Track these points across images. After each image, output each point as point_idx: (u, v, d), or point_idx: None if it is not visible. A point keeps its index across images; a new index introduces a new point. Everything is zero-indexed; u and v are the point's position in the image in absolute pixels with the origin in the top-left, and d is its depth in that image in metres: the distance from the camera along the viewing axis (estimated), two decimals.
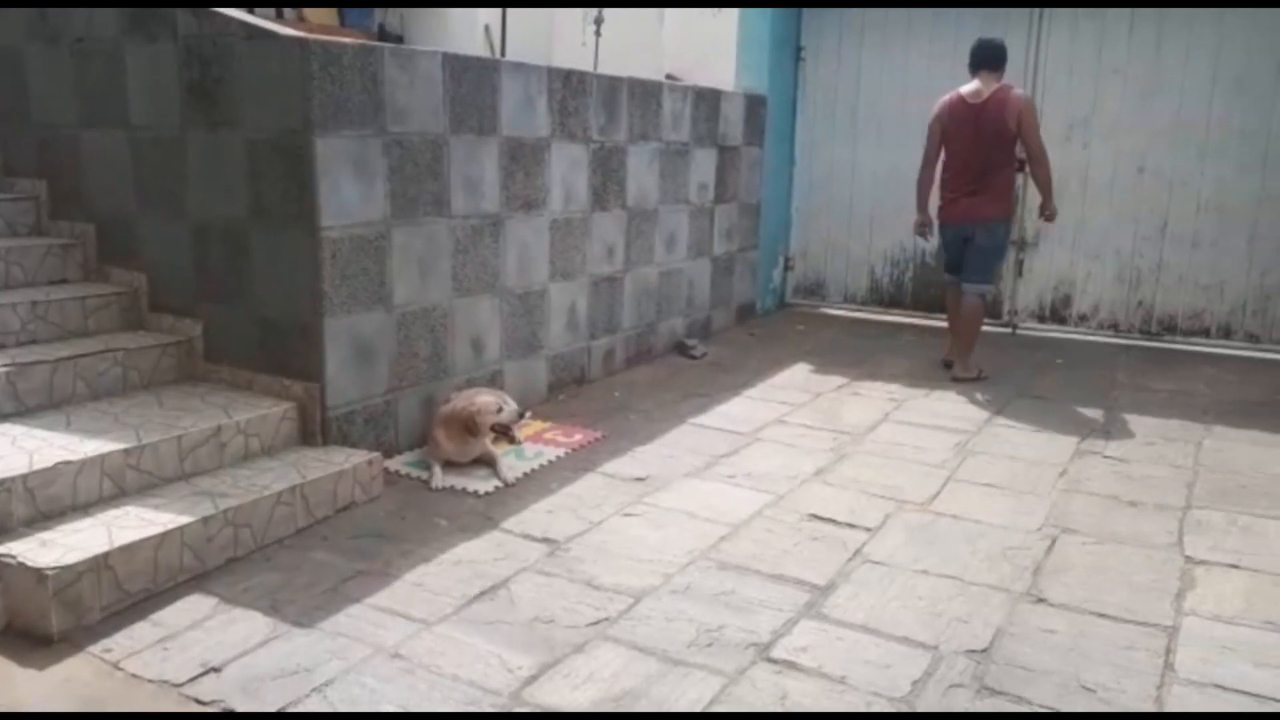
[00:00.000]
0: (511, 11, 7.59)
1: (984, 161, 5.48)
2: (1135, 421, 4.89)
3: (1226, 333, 6.43)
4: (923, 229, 5.83)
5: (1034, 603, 3.00)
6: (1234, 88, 6.16)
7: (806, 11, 7.37)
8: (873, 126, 7.31)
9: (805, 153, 7.60)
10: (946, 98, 5.60)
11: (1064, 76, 6.57)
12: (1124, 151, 6.52)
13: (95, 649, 2.65)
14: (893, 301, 7.48)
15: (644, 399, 5.15)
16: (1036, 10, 6.59)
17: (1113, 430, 4.74)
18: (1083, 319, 6.85)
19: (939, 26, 6.94)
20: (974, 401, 5.20)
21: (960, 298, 5.71)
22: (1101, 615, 2.93)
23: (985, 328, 6.90)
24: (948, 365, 5.86)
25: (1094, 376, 5.79)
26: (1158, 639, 2.80)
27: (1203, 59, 6.22)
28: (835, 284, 7.70)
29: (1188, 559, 3.33)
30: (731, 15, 7.10)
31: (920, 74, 7.05)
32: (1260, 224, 6.23)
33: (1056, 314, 6.85)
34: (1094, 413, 5.03)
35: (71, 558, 2.73)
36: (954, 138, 5.55)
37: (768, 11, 7.01)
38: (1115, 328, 6.76)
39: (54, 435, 3.27)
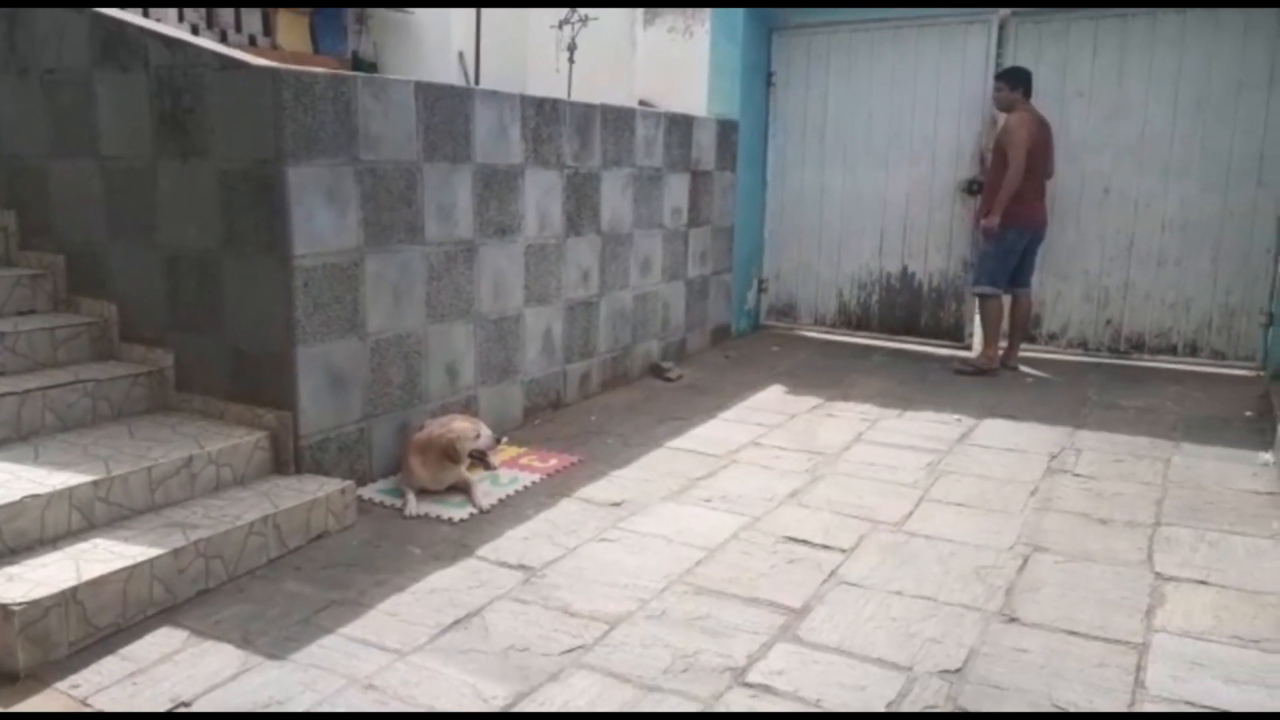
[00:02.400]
0: (486, 39, 7.66)
1: (1047, 173, 6.28)
2: (1105, 439, 4.94)
3: (1193, 350, 6.53)
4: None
5: (1006, 622, 3.02)
6: (1195, 109, 6.29)
7: (776, 38, 7.47)
8: (839, 150, 7.40)
9: (776, 177, 7.68)
10: (1029, 116, 6.11)
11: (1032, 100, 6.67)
12: (1090, 172, 6.63)
13: (63, 685, 2.61)
14: (859, 324, 7.54)
15: (620, 422, 5.16)
16: (998, 32, 6.71)
17: (1083, 448, 4.80)
18: (1052, 338, 6.92)
19: (900, 51, 7.06)
20: (945, 421, 5.24)
21: (1025, 302, 6.50)
22: (1073, 633, 2.95)
23: (953, 350, 7.05)
24: (1011, 368, 6.45)
25: (1064, 395, 5.85)
26: (1129, 656, 2.82)
27: (1164, 82, 6.35)
28: (806, 306, 7.75)
29: (1157, 575, 3.36)
30: (703, 42, 7.18)
31: (883, 97, 7.18)
32: (1224, 242, 6.34)
33: (1026, 334, 6.92)
34: (1064, 431, 5.08)
35: (39, 593, 2.70)
36: (1041, 152, 6.15)
37: (739, 38, 7.09)
38: (1085, 346, 6.84)
39: (21, 468, 3.24)
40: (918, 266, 7.25)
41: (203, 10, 6.99)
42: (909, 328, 7.35)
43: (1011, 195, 6.04)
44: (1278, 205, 6.12)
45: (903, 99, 7.11)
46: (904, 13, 6.92)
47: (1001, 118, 6.37)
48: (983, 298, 6.39)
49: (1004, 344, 6.57)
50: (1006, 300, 6.46)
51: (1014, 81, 6.16)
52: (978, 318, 6.70)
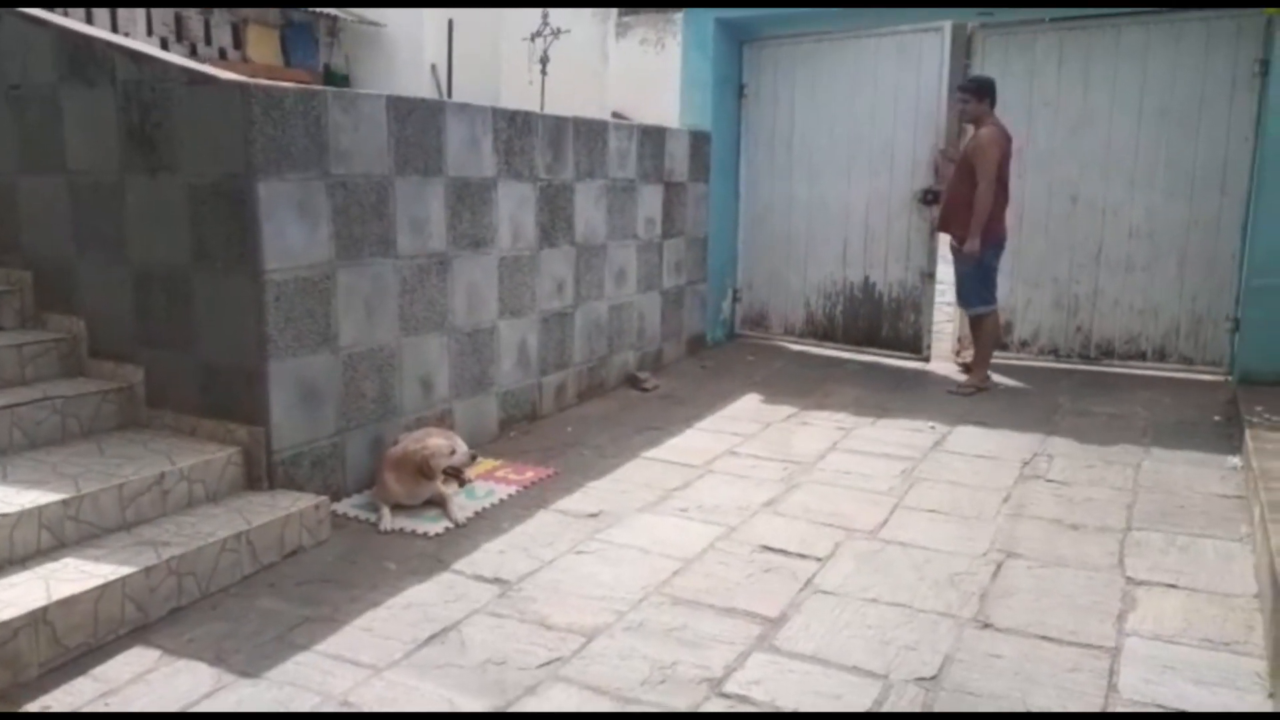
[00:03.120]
0: (458, 52, 7.67)
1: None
2: (1076, 445, 5.00)
3: (1161, 356, 6.61)
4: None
5: (980, 628, 3.05)
6: (1159, 120, 6.39)
7: (747, 50, 7.51)
8: (805, 160, 7.43)
9: (749, 187, 7.71)
10: (999, 131, 6.00)
11: (997, 111, 6.75)
12: (1057, 181, 6.71)
13: (33, 707, 2.58)
14: (825, 334, 7.54)
15: (596, 434, 5.16)
16: (950, 42, 6.76)
17: (1055, 454, 4.85)
18: (1024, 345, 7.00)
19: (860, 62, 7.09)
20: (919, 429, 5.28)
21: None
22: (1046, 638, 2.98)
23: (909, 362, 7.09)
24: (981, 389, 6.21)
25: (1036, 401, 5.91)
26: (1101, 660, 2.85)
27: (1129, 92, 6.44)
28: (777, 316, 7.77)
29: (1129, 580, 3.40)
30: (675, 54, 7.21)
31: (843, 107, 7.20)
32: (1189, 249, 6.43)
33: (998, 341, 6.99)
34: (1036, 437, 5.13)
35: (7, 614, 2.66)
36: (1007, 165, 6.04)
37: (710, 50, 7.13)
38: (1055, 353, 6.91)
39: None
40: (878, 277, 7.25)
41: (172, 23, 6.94)
42: (870, 338, 7.35)
43: (988, 215, 5.94)
44: (1241, 213, 6.21)
45: (862, 109, 7.15)
46: (859, 20, 6.92)
47: (968, 129, 6.39)
48: (979, 317, 6.26)
49: (967, 358, 6.60)
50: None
51: (980, 92, 6.06)
52: (971, 337, 6.55)
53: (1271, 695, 2.66)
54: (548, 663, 2.81)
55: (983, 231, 5.99)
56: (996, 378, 6.46)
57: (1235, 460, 4.68)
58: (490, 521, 3.90)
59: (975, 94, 6.07)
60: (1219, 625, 3.06)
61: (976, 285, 6.21)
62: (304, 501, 3.64)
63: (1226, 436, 5.09)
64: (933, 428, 5.30)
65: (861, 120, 7.17)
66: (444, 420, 4.64)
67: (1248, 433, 4.66)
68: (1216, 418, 5.48)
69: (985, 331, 6.28)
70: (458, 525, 3.84)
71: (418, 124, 4.36)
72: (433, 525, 3.83)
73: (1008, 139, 6.07)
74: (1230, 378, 6.23)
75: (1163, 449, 4.92)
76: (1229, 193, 6.25)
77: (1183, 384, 6.33)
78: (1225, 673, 2.78)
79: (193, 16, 7.14)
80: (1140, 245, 6.57)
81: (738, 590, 3.29)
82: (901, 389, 6.25)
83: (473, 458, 4.16)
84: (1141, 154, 6.47)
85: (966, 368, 6.56)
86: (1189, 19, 6.21)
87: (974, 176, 5.96)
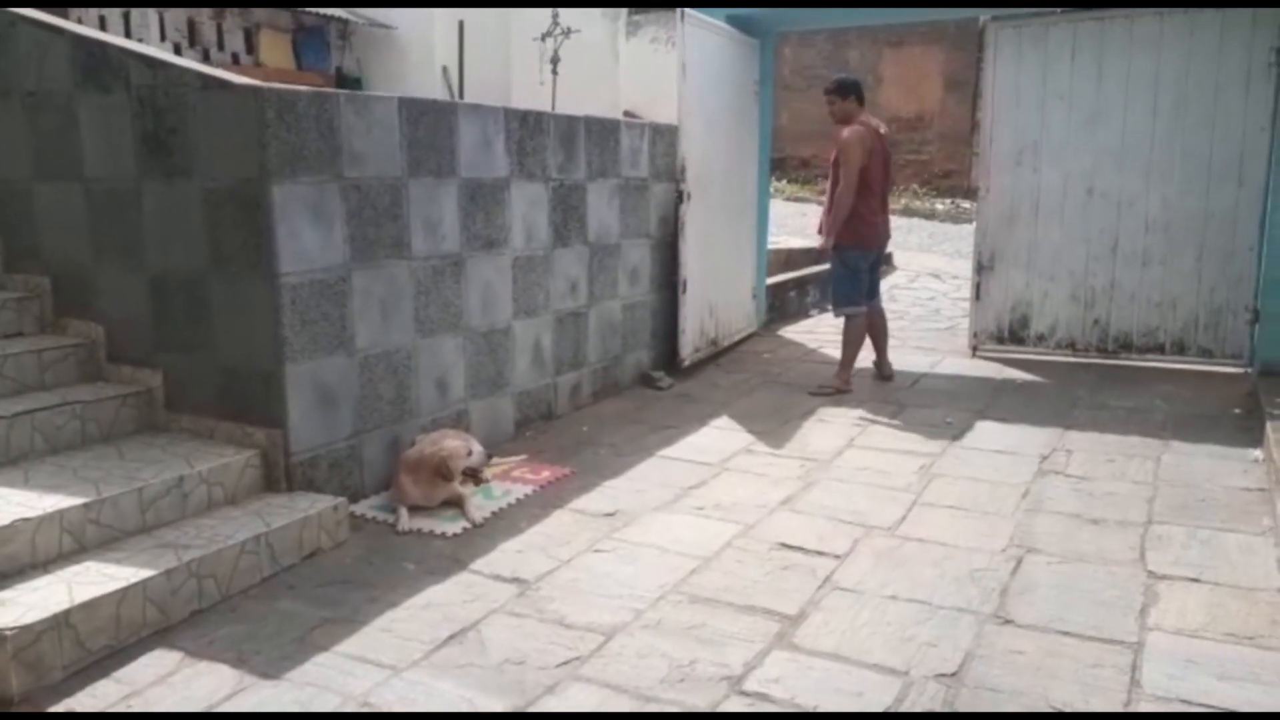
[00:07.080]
0: (469, 53, 7.67)
1: (887, 188, 6.26)
2: (1096, 439, 4.97)
3: (1180, 348, 6.56)
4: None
5: (1001, 624, 3.03)
6: (1173, 112, 6.33)
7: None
8: None
9: (761, 184, 7.69)
10: (860, 128, 5.90)
11: (1011, 103, 6.72)
12: (1073, 174, 6.67)
13: (58, 709, 2.60)
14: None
15: (612, 433, 5.16)
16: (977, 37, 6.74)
17: (1074, 449, 4.81)
18: (1041, 339, 6.95)
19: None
20: (936, 424, 5.26)
21: (876, 316, 6.33)
22: (1068, 634, 2.96)
23: (946, 348, 7.07)
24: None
25: (1054, 396, 5.88)
26: (1123, 655, 2.83)
27: (1142, 85, 6.39)
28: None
29: (1150, 574, 3.38)
30: None
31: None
32: (1207, 241, 6.38)
33: (1015, 335, 6.96)
34: (1055, 432, 5.10)
35: (31, 617, 2.69)
36: (876, 164, 5.94)
37: None
38: (1073, 347, 6.87)
39: (11, 492, 3.21)
40: None
41: (185, 28, 6.97)
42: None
43: (848, 215, 5.85)
44: (1259, 204, 6.16)
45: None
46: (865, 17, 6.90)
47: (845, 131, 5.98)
48: (847, 319, 6.11)
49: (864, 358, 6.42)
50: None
51: (843, 91, 5.94)
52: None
53: None
54: (567, 662, 2.81)
55: (850, 234, 5.91)
56: (1013, 372, 6.43)
57: (1257, 453, 4.64)
58: (508, 521, 3.91)
59: (840, 94, 5.95)
60: (1243, 619, 3.03)
61: (845, 287, 6.09)
62: (322, 503, 3.65)
63: (1247, 429, 5.05)
64: (950, 423, 5.28)
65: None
66: (460, 421, 4.64)
67: (1269, 425, 4.62)
68: (1237, 410, 5.44)
69: (851, 335, 6.09)
70: (475, 525, 3.85)
71: (430, 126, 4.37)
72: (450, 526, 3.84)
73: (876, 136, 5.95)
74: (1250, 370, 6.18)
75: (1183, 442, 4.88)
76: (1246, 184, 6.20)
77: (1202, 377, 6.28)
78: (1250, 667, 2.76)
79: (205, 21, 7.17)
80: (1157, 237, 6.52)
81: (756, 588, 3.29)
82: (918, 386, 6.20)
83: (489, 458, 4.17)
84: (1157, 146, 6.42)
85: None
86: (1203, 10, 6.15)
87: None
